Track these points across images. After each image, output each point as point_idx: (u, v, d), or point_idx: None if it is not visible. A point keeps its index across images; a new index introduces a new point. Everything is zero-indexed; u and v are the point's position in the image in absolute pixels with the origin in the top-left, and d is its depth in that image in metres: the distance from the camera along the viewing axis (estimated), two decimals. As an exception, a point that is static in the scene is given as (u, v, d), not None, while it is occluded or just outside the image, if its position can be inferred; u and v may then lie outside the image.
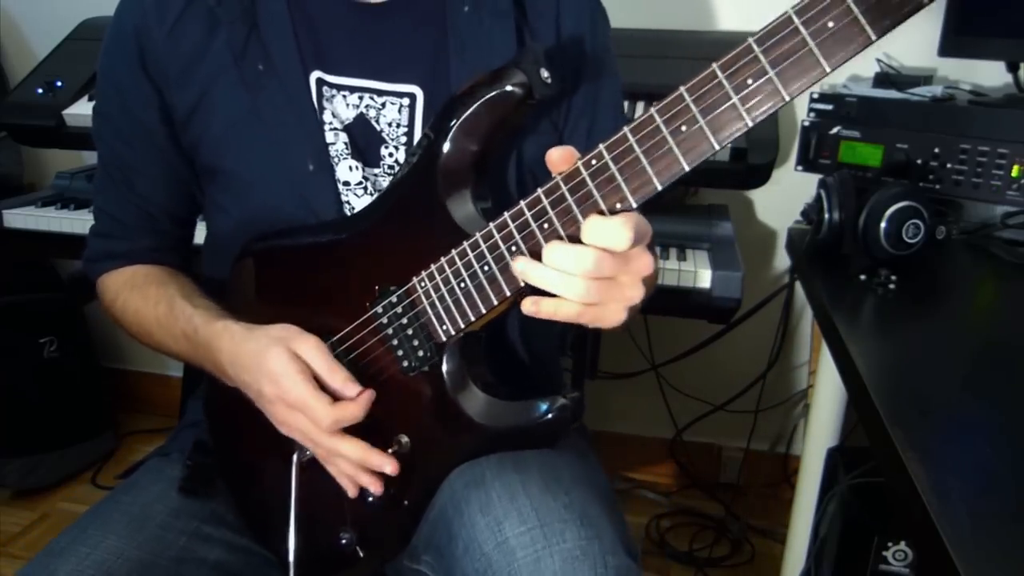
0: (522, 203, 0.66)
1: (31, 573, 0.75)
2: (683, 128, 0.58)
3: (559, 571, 0.65)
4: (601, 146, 0.61)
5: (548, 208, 0.64)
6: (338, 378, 0.72)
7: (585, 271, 0.62)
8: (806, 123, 1.29)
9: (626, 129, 0.60)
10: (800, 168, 1.30)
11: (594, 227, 0.62)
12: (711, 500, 1.92)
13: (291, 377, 0.71)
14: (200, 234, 0.97)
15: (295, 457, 0.78)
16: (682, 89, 0.57)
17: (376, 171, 0.85)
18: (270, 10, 0.83)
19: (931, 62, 1.46)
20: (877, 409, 0.70)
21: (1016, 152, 1.09)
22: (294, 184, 0.83)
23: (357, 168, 0.84)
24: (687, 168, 0.59)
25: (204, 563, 0.81)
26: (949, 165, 1.14)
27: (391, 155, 0.85)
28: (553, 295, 0.65)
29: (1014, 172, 1.09)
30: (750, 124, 0.56)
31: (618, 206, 0.62)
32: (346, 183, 0.83)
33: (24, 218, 1.57)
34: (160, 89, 0.85)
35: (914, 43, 1.50)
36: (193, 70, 0.83)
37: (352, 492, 0.77)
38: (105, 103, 0.89)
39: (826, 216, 1.06)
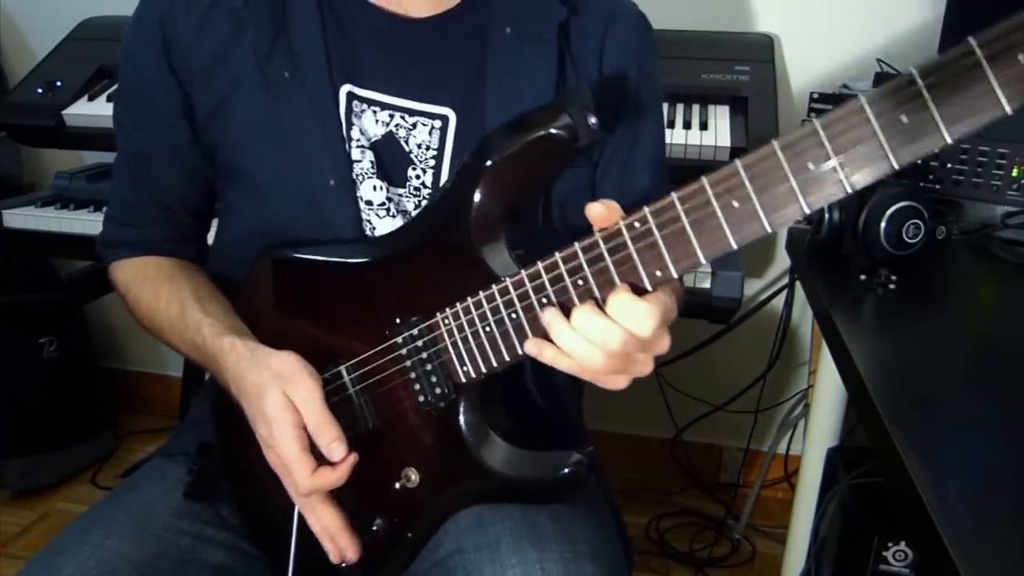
0: (557, 255, 0.63)
1: (34, 572, 0.74)
2: (735, 204, 0.54)
3: None
4: (646, 209, 0.58)
5: (584, 265, 0.61)
6: (325, 437, 0.70)
7: (607, 348, 0.60)
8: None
9: (674, 195, 0.57)
10: (800, 168, 1.30)
11: (621, 306, 0.60)
12: (711, 500, 1.92)
13: (283, 430, 0.70)
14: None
15: None
16: (738, 162, 0.54)
17: (401, 191, 0.82)
18: (301, 15, 0.80)
19: (931, 62, 1.46)
20: (877, 409, 0.70)
21: (1016, 152, 1.09)
22: (312, 197, 0.80)
23: (382, 188, 0.81)
24: (735, 246, 0.55)
25: (205, 565, 0.80)
26: (949, 165, 1.14)
27: (418, 177, 0.82)
28: None
29: (1014, 172, 1.09)
30: (807, 211, 0.52)
31: (658, 274, 0.59)
32: (368, 202, 0.81)
33: (24, 218, 1.56)
34: (184, 85, 0.83)
35: (914, 43, 1.50)
36: (216, 71, 0.81)
37: (334, 557, 0.76)
38: (126, 90, 0.88)
39: (826, 216, 1.06)
